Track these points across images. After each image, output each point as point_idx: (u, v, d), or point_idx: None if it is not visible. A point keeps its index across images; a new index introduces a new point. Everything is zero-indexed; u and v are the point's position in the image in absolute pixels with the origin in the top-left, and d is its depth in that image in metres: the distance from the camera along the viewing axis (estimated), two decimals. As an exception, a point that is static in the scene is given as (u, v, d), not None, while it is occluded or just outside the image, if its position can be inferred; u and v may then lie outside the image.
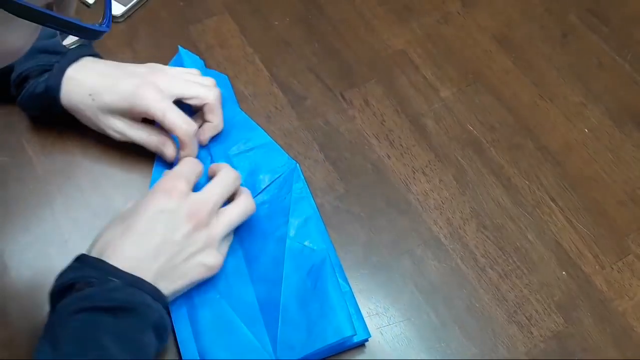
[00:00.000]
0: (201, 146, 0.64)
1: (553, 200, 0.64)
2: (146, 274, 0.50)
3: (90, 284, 0.48)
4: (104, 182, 0.63)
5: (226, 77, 0.70)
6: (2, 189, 0.62)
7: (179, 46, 0.70)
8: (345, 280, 0.57)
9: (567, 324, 0.57)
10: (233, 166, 0.61)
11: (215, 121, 0.64)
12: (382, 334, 0.56)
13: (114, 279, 0.49)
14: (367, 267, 0.59)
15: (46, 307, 0.51)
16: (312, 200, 0.61)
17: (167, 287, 0.52)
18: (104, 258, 0.50)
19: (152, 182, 0.63)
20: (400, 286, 0.59)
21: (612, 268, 0.61)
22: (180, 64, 0.68)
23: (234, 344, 0.54)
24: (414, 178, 0.65)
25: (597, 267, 0.61)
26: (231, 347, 0.53)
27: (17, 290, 0.56)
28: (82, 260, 0.51)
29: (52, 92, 0.60)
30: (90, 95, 0.60)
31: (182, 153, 0.61)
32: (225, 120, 0.65)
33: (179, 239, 0.52)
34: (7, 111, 0.66)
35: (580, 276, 0.60)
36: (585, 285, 0.60)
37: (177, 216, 0.53)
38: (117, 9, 0.73)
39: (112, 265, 0.50)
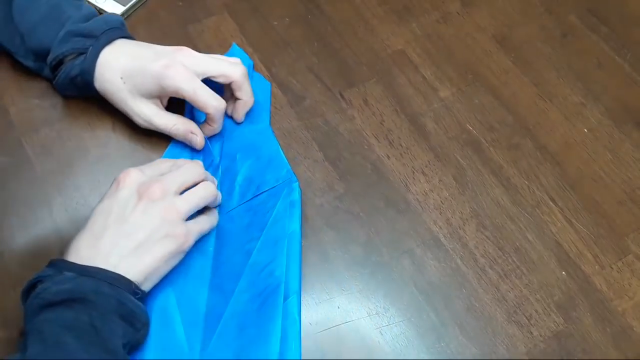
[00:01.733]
0: (214, 137, 0.65)
1: (553, 200, 0.64)
2: (105, 262, 0.50)
3: (42, 281, 0.49)
4: (104, 182, 0.63)
5: (269, 84, 0.70)
6: (1, 189, 0.62)
7: (234, 43, 0.72)
8: (299, 310, 0.55)
9: (566, 323, 0.57)
10: (237, 169, 0.62)
11: (244, 97, 0.65)
12: (381, 333, 0.56)
13: (66, 273, 0.49)
14: (366, 267, 0.59)
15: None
16: (293, 223, 0.59)
17: (134, 266, 0.50)
18: (65, 257, 0.51)
19: None
20: (400, 286, 0.59)
21: (612, 268, 0.61)
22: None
23: (164, 340, 0.52)
24: (414, 178, 0.65)
25: (596, 267, 0.61)
26: (160, 342, 0.52)
27: (17, 290, 0.56)
28: (50, 262, 0.51)
29: (87, 75, 0.62)
30: (121, 78, 0.61)
31: (208, 128, 0.63)
32: (248, 123, 0.66)
33: (131, 216, 0.52)
34: (7, 111, 0.66)
35: (580, 276, 0.60)
36: (585, 285, 0.60)
37: (130, 198, 0.53)
38: (117, 9, 0.73)
39: (67, 261, 0.50)
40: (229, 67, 0.63)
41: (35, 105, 0.67)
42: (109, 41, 0.62)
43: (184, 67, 0.61)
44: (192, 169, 0.57)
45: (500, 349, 0.56)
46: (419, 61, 0.74)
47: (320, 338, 0.56)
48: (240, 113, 0.65)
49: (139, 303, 0.50)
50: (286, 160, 0.64)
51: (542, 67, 0.74)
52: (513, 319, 0.57)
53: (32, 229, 0.60)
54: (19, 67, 0.67)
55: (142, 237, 0.51)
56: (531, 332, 0.57)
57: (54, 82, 0.65)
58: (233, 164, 0.64)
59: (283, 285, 0.55)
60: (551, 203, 0.64)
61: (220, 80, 0.63)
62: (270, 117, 0.68)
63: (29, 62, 0.66)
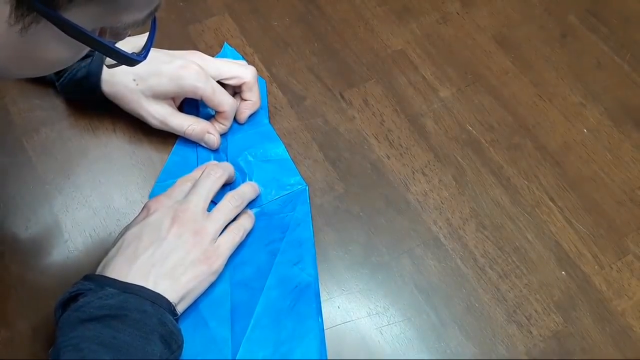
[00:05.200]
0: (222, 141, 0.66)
1: (552, 200, 0.64)
2: (144, 281, 0.50)
3: (85, 294, 0.49)
4: (104, 182, 0.63)
5: (264, 82, 0.71)
6: (1, 189, 0.62)
7: (225, 42, 0.72)
8: (320, 313, 0.56)
9: (566, 323, 0.58)
10: (245, 172, 0.63)
11: (253, 99, 0.66)
12: (381, 333, 0.56)
13: (108, 288, 0.49)
14: (366, 267, 0.60)
15: (46, 307, 0.51)
16: (311, 227, 0.61)
17: (171, 287, 0.51)
18: (104, 274, 0.51)
19: (162, 175, 0.64)
20: (400, 286, 0.59)
21: (612, 268, 0.61)
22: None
23: (195, 339, 0.53)
24: (414, 178, 0.65)
25: (596, 267, 0.61)
26: (192, 341, 0.53)
27: (17, 290, 0.56)
28: (85, 277, 0.51)
29: (94, 77, 0.61)
30: (134, 80, 0.61)
31: (219, 126, 0.64)
32: (250, 125, 0.67)
33: (166, 239, 0.53)
34: (7, 111, 0.66)
35: (580, 276, 0.60)
36: (585, 285, 0.60)
37: (163, 222, 0.54)
38: (117, 9, 0.73)
39: (109, 277, 0.50)
40: (241, 69, 0.65)
41: (36, 105, 0.67)
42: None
43: (200, 68, 0.62)
44: (210, 177, 0.58)
45: (500, 348, 0.56)
46: (418, 61, 0.74)
47: (320, 338, 0.56)
48: (245, 114, 0.66)
49: (177, 324, 0.51)
50: (294, 165, 0.64)
51: (541, 67, 0.74)
52: (513, 318, 0.57)
53: (32, 229, 0.60)
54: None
55: (177, 259, 0.53)
56: (531, 332, 0.57)
57: (57, 84, 0.65)
58: (243, 165, 0.64)
59: (314, 285, 0.57)
60: (551, 203, 0.64)
61: (233, 82, 0.65)
62: (268, 115, 0.68)
63: None
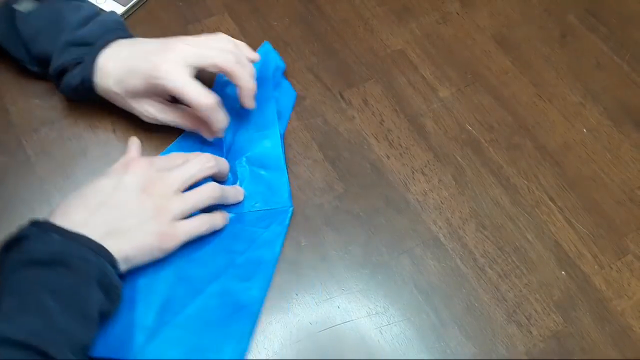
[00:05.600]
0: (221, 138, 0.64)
1: (552, 200, 0.64)
2: (91, 232, 0.50)
3: (29, 238, 0.49)
4: (103, 181, 0.63)
5: (294, 93, 0.69)
6: (1, 188, 0.62)
7: (265, 42, 0.71)
8: (250, 337, 0.55)
9: (566, 323, 0.58)
10: (237, 176, 0.62)
11: (241, 83, 0.62)
12: (381, 333, 0.56)
13: (52, 234, 0.49)
14: (366, 267, 0.59)
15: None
16: (278, 250, 0.59)
17: (116, 246, 0.51)
18: (50, 219, 0.51)
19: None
20: (400, 286, 0.59)
21: (611, 268, 0.61)
22: (263, 57, 0.69)
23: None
24: (413, 178, 0.65)
25: (596, 266, 0.61)
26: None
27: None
28: (31, 222, 0.51)
29: (87, 83, 0.62)
30: (117, 83, 0.61)
31: (212, 127, 0.62)
32: (259, 125, 0.65)
33: (129, 203, 0.53)
34: (7, 111, 0.66)
35: (580, 276, 0.60)
36: (584, 285, 0.60)
37: (133, 188, 0.54)
38: (117, 10, 0.73)
39: (54, 224, 0.50)
40: (218, 55, 0.61)
41: (35, 105, 0.67)
42: (103, 46, 0.61)
43: (174, 64, 0.59)
44: (200, 163, 0.58)
45: (499, 348, 0.56)
46: (418, 61, 0.74)
47: (320, 338, 0.56)
48: (244, 101, 0.63)
49: (117, 277, 0.51)
50: (288, 183, 0.63)
51: (541, 67, 0.75)
52: (512, 318, 0.57)
53: (32, 228, 0.60)
54: (19, 67, 0.67)
55: (132, 225, 0.53)
56: (530, 332, 0.57)
57: (59, 90, 0.65)
58: (237, 169, 0.63)
59: (255, 308, 0.56)
60: (550, 203, 0.64)
61: (211, 70, 0.61)
62: (286, 127, 0.67)
63: (36, 69, 0.66)
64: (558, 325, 0.57)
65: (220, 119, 0.61)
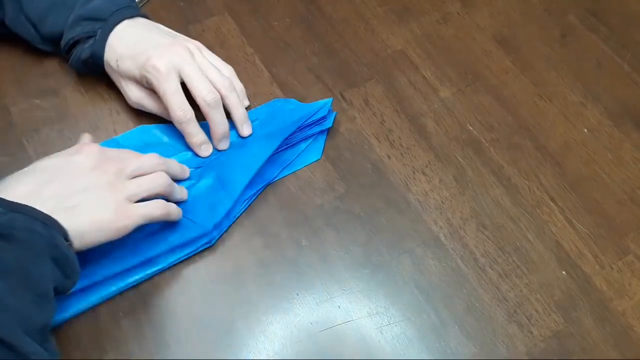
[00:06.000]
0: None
1: (553, 200, 0.64)
2: (41, 205, 0.47)
3: None
4: (104, 182, 0.63)
5: (319, 155, 0.66)
6: (2, 188, 0.62)
7: (331, 98, 0.68)
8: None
9: (567, 323, 0.58)
10: (190, 178, 0.62)
11: (213, 119, 0.62)
12: (382, 333, 0.56)
13: None
14: (367, 267, 0.59)
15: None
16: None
17: (68, 219, 0.48)
18: None
19: None
20: (400, 286, 0.59)
21: (612, 268, 0.61)
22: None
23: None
24: (414, 178, 0.65)
25: (596, 266, 0.61)
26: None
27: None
28: None
29: (96, 58, 0.64)
30: (117, 60, 0.63)
31: (188, 139, 0.63)
32: (247, 150, 0.64)
33: (82, 177, 0.51)
34: (7, 111, 0.66)
35: (580, 276, 0.60)
36: (585, 285, 0.60)
37: (83, 162, 0.52)
38: (117, 9, 0.73)
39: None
40: (201, 88, 0.61)
41: (36, 105, 0.67)
42: (116, 23, 0.63)
43: (167, 63, 0.60)
44: (151, 160, 0.57)
45: (500, 348, 0.56)
46: (419, 61, 0.74)
47: (320, 338, 0.56)
48: (237, 127, 0.64)
49: (71, 249, 0.48)
50: (228, 215, 0.61)
51: (541, 67, 0.75)
52: (513, 318, 0.57)
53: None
54: (20, 67, 0.68)
55: (86, 198, 0.50)
56: (531, 332, 0.57)
57: (68, 63, 0.66)
58: (192, 174, 0.63)
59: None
60: (551, 203, 0.64)
61: (193, 93, 0.62)
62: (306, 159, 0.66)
63: (47, 48, 0.67)
64: (559, 326, 0.57)
65: (192, 132, 0.62)
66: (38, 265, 0.45)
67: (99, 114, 0.67)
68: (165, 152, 0.62)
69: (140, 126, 0.65)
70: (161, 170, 0.57)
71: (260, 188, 0.62)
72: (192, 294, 0.57)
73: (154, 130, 0.65)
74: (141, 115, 0.66)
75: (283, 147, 0.64)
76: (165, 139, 0.65)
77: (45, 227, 0.46)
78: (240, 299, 0.57)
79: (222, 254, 0.59)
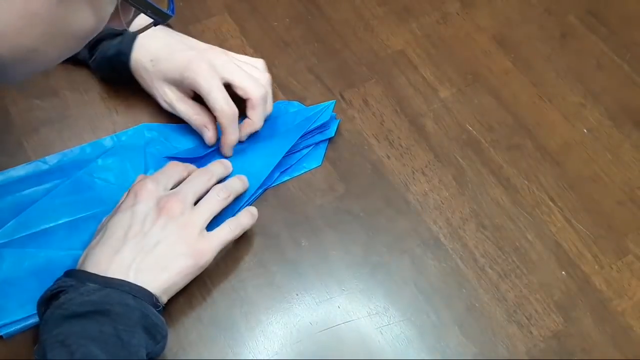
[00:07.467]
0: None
1: (552, 200, 0.64)
2: (125, 274, 0.50)
3: (66, 291, 0.49)
4: (104, 182, 0.63)
5: (319, 162, 0.66)
6: (1, 189, 0.62)
7: (334, 101, 0.69)
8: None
9: (566, 323, 0.58)
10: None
11: (253, 118, 0.64)
12: (381, 333, 0.56)
13: (89, 284, 0.49)
14: (366, 267, 0.59)
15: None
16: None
17: (153, 281, 0.51)
18: (83, 268, 0.51)
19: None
20: (400, 286, 0.59)
21: (612, 268, 0.61)
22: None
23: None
24: (414, 178, 0.65)
25: (596, 267, 0.61)
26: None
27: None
28: (66, 273, 0.51)
29: (123, 56, 0.63)
30: (151, 60, 0.63)
31: (222, 138, 0.63)
32: (262, 155, 0.64)
33: (150, 231, 0.53)
34: (7, 111, 0.66)
35: (580, 276, 0.60)
36: (585, 285, 0.60)
37: (149, 213, 0.54)
38: (117, 9, 0.73)
39: (88, 272, 0.50)
40: (252, 84, 0.63)
41: (35, 105, 0.67)
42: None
43: (209, 65, 0.62)
44: (203, 176, 0.58)
45: (500, 348, 0.56)
46: (418, 61, 0.74)
47: (320, 338, 0.56)
48: (244, 131, 0.64)
49: (160, 316, 0.51)
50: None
51: (541, 67, 0.75)
52: (513, 318, 0.57)
53: (32, 229, 0.60)
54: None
55: (161, 253, 0.52)
56: (531, 332, 0.57)
57: (90, 62, 0.66)
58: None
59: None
60: (551, 203, 0.64)
61: (239, 92, 0.63)
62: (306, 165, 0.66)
63: None
64: (558, 326, 0.57)
65: (232, 130, 0.63)
66: (132, 335, 0.48)
67: (98, 114, 0.67)
68: (165, 151, 0.64)
69: (140, 124, 0.65)
70: (211, 181, 0.59)
71: (261, 192, 0.63)
72: (192, 293, 0.57)
73: (154, 129, 0.65)
74: (141, 115, 0.67)
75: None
76: (165, 137, 0.65)
77: (135, 298, 0.49)
78: (240, 299, 0.57)
79: (222, 254, 0.59)
